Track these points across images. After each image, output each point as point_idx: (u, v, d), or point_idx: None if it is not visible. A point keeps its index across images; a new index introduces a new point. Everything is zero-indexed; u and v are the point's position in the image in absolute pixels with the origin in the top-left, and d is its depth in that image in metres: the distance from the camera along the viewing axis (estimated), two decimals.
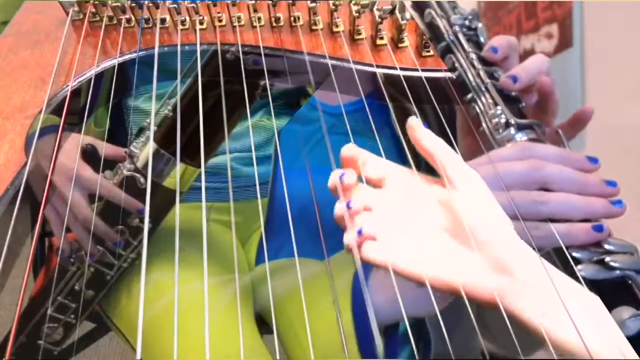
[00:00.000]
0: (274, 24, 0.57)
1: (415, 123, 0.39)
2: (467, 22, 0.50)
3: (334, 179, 0.39)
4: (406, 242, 0.37)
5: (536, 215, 0.39)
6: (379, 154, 0.47)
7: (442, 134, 0.60)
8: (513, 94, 0.46)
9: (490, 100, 0.46)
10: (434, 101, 0.50)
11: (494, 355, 0.55)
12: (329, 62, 0.53)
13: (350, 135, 0.47)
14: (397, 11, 0.54)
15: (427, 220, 0.37)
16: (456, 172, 0.37)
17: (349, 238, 0.37)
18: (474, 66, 0.47)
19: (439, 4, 0.51)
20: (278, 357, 0.57)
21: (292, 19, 0.57)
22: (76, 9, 0.60)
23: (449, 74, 0.51)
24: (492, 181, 0.40)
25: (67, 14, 0.60)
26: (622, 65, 1.50)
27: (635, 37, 1.44)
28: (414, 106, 0.50)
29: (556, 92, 0.49)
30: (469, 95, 0.47)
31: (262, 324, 0.62)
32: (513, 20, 2.03)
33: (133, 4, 0.57)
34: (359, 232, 0.37)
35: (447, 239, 0.36)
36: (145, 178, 0.58)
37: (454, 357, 0.37)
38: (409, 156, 0.68)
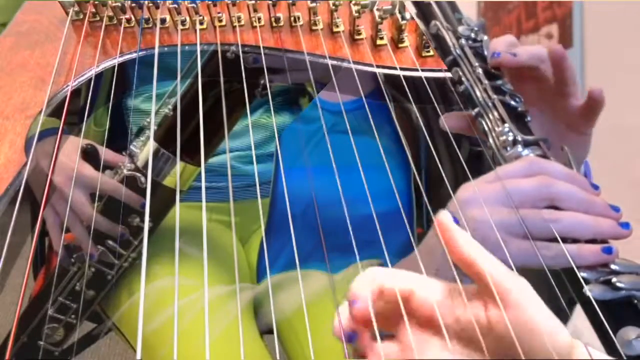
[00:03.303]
0: (274, 24, 0.57)
1: (446, 220, 0.33)
2: (472, 35, 0.50)
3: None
4: None
5: (546, 234, 0.39)
6: (379, 153, 0.47)
7: (441, 133, 0.60)
8: (519, 109, 0.46)
9: (497, 117, 0.46)
10: (434, 101, 0.50)
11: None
12: (329, 62, 0.53)
13: (350, 134, 0.47)
14: (397, 11, 0.54)
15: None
16: (507, 285, 0.30)
17: None
18: (480, 81, 0.48)
19: (445, 15, 0.51)
20: (278, 357, 0.57)
21: (292, 19, 0.57)
22: (76, 9, 0.60)
23: (449, 74, 0.51)
24: (501, 199, 0.41)
25: (67, 14, 0.60)
26: (622, 65, 1.50)
27: (635, 37, 1.44)
28: (414, 106, 0.50)
29: (569, 58, 0.48)
30: (476, 110, 0.47)
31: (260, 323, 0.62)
32: (513, 20, 2.03)
33: (133, 4, 0.57)
34: None
35: None
36: (146, 177, 0.58)
37: None
38: (409, 155, 0.68)
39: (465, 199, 0.42)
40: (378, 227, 0.41)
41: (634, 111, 1.43)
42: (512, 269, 0.35)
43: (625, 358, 0.34)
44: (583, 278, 0.38)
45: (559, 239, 0.39)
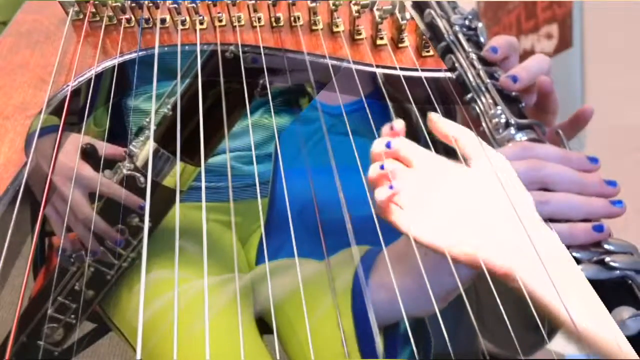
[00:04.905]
0: (274, 24, 0.57)
1: (435, 116, 0.45)
2: (467, 22, 0.50)
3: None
4: (429, 213, 0.40)
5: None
6: None
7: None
8: (513, 93, 0.46)
9: (490, 101, 0.46)
10: (434, 101, 0.50)
11: (494, 355, 0.55)
12: (329, 62, 0.53)
13: (351, 136, 0.47)
14: (397, 11, 0.54)
15: (450, 195, 0.40)
16: (472, 150, 0.41)
17: (380, 194, 0.41)
18: (474, 66, 0.47)
19: (439, 3, 0.51)
20: (278, 357, 0.57)
21: (292, 19, 0.57)
22: (76, 9, 0.60)
23: (449, 74, 0.51)
24: None
25: (67, 14, 0.60)
26: (622, 65, 1.50)
27: (635, 37, 1.44)
28: (414, 106, 0.50)
29: (555, 90, 0.49)
30: (469, 96, 0.47)
31: (262, 323, 0.62)
32: (513, 20, 2.03)
33: (133, 4, 0.57)
34: (390, 187, 0.41)
35: (467, 214, 0.39)
36: (145, 177, 0.58)
37: (454, 358, 0.37)
38: None
39: None
40: (378, 228, 0.41)
41: (634, 111, 1.43)
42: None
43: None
44: (576, 258, 0.38)
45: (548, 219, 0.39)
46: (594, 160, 0.42)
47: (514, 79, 0.46)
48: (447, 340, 0.36)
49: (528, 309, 0.36)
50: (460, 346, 0.40)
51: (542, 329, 0.35)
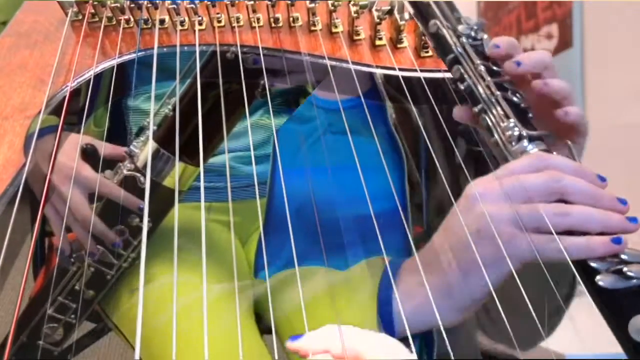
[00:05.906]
0: (273, 25, 0.57)
1: (295, 345, 0.35)
2: (472, 33, 0.50)
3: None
4: None
5: (556, 227, 0.40)
6: (376, 152, 0.47)
7: (439, 133, 0.60)
8: (522, 105, 0.47)
9: (501, 113, 0.46)
10: (433, 101, 0.51)
11: (494, 356, 0.55)
12: (328, 62, 0.53)
13: (349, 134, 0.47)
14: (395, 12, 0.54)
15: None
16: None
17: None
18: (483, 78, 0.48)
19: (443, 15, 0.51)
20: (277, 357, 0.57)
21: (291, 19, 0.57)
22: (75, 9, 0.60)
23: (447, 74, 0.51)
24: (510, 194, 0.41)
25: (67, 14, 0.60)
26: (622, 65, 1.51)
27: (635, 37, 1.44)
28: (413, 106, 0.50)
29: (583, 115, 0.49)
30: (479, 107, 0.47)
31: (262, 324, 0.62)
32: (513, 20, 2.03)
33: (132, 5, 0.57)
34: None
35: None
36: (145, 177, 0.58)
37: (455, 358, 0.37)
38: (409, 155, 0.68)
39: (475, 195, 0.42)
40: (376, 226, 0.41)
41: (633, 110, 1.43)
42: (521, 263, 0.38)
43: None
44: (594, 268, 0.38)
45: (552, 233, 0.39)
46: (602, 179, 0.42)
47: (518, 64, 0.47)
48: (447, 341, 0.36)
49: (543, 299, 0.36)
50: (460, 346, 0.40)
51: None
